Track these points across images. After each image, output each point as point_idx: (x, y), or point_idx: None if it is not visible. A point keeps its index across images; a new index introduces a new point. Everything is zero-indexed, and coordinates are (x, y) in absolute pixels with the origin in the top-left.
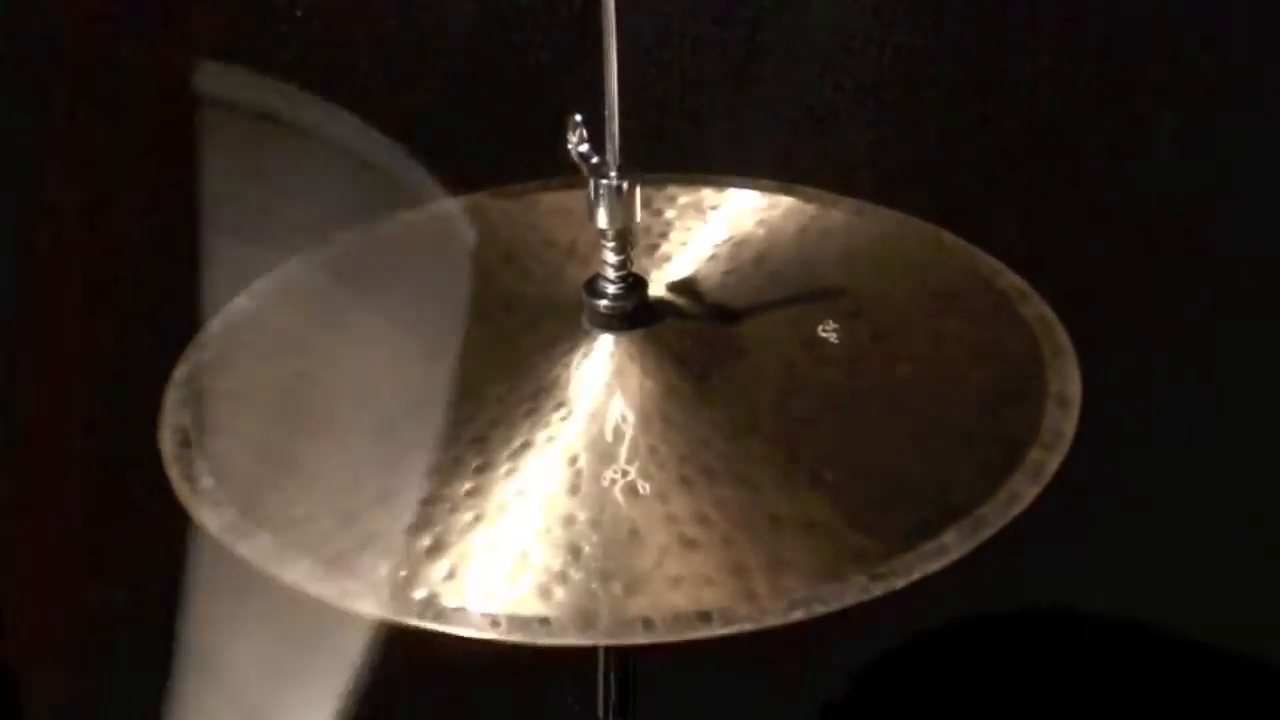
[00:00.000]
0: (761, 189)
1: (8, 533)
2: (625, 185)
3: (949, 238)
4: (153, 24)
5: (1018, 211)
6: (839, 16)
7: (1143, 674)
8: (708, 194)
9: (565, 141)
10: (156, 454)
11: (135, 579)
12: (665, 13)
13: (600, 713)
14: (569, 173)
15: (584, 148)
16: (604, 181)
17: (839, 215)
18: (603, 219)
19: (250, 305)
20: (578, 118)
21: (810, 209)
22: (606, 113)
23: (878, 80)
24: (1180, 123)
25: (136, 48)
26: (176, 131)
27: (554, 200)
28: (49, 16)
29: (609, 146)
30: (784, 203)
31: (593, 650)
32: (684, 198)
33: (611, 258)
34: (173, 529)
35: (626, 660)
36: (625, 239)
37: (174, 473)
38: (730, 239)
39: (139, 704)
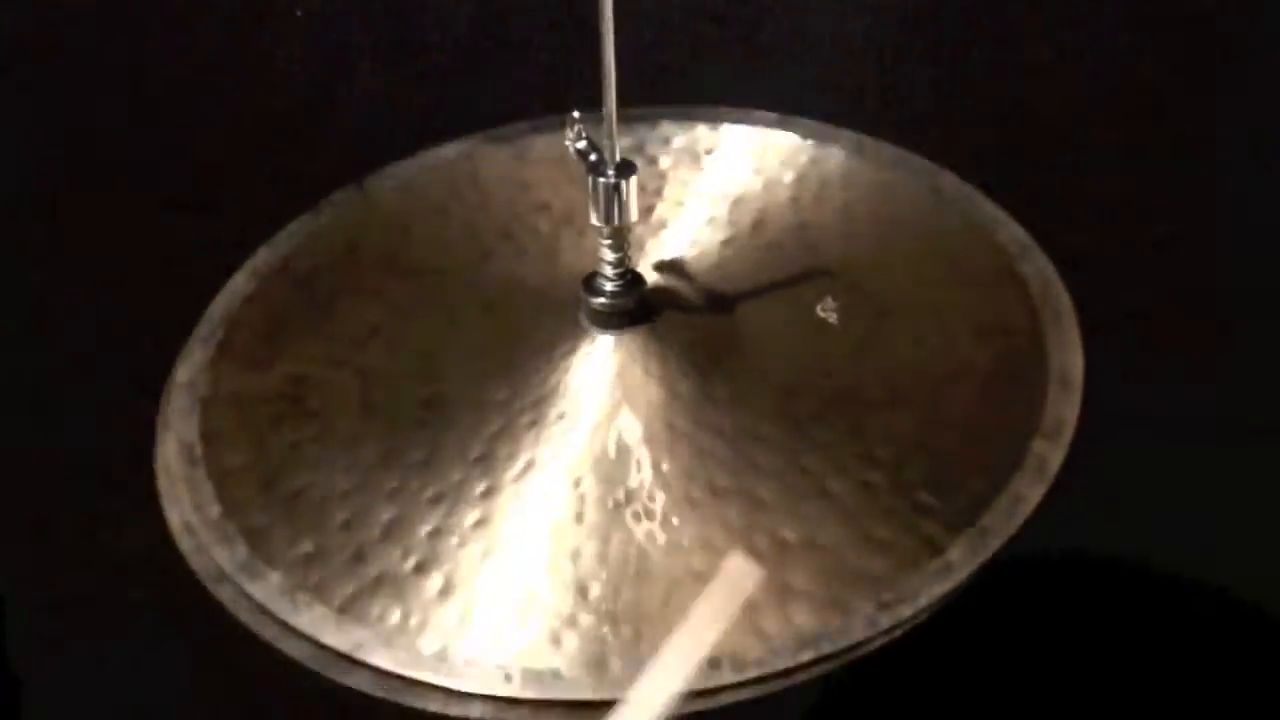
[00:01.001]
0: (756, 123)
1: (8, 532)
2: (623, 184)
3: (947, 182)
4: (153, 24)
5: (1018, 211)
6: (839, 16)
7: (1144, 667)
8: (702, 133)
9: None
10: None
11: (135, 578)
12: (665, 13)
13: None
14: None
15: (582, 144)
16: (602, 180)
17: (837, 154)
18: (600, 217)
19: (250, 286)
20: (575, 115)
21: (808, 146)
22: (604, 110)
23: (878, 80)
24: (1179, 124)
25: (137, 47)
26: (175, 130)
27: (546, 146)
28: (48, 17)
29: (607, 144)
30: (780, 143)
31: None
32: (679, 139)
33: (609, 255)
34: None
35: None
36: (623, 236)
37: (183, 498)
38: (726, 195)
39: (139, 704)
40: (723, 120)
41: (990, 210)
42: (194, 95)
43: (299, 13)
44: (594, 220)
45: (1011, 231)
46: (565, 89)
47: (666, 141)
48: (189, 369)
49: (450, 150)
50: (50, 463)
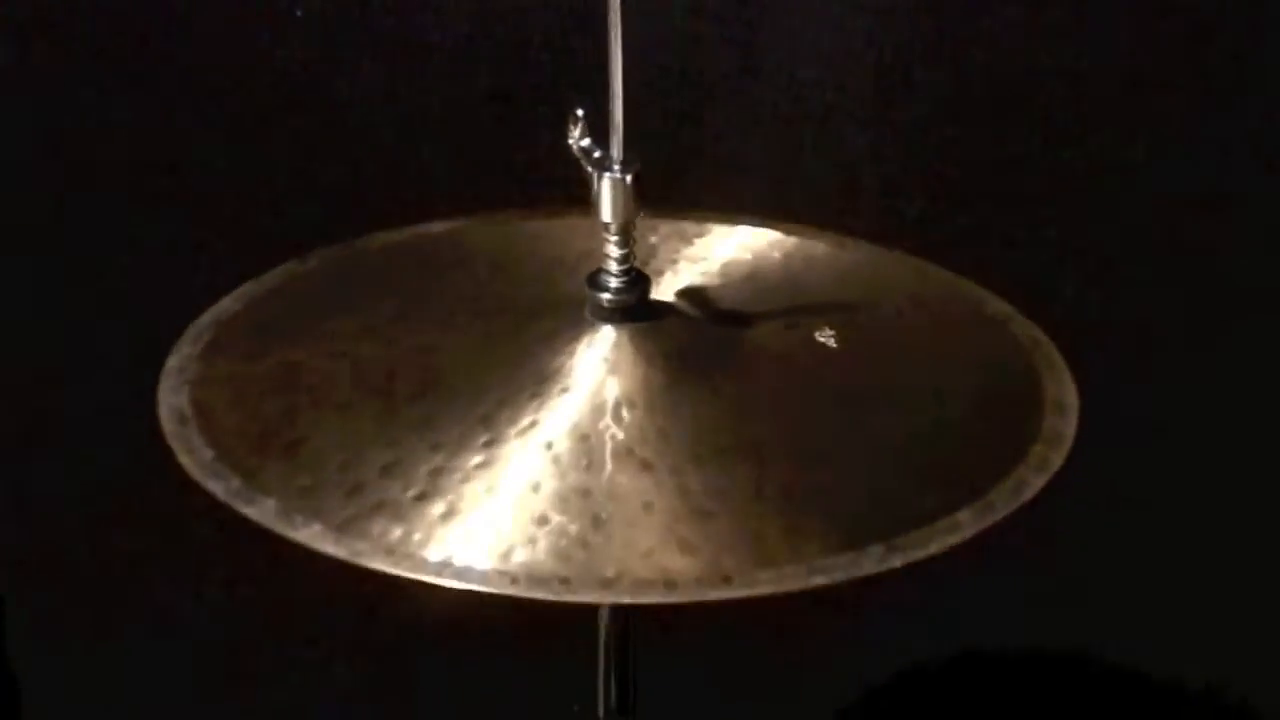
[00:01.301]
0: (736, 223)
1: (8, 532)
2: (629, 178)
3: (932, 269)
4: (153, 24)
5: (1018, 210)
6: (839, 16)
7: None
8: (688, 225)
9: (565, 140)
10: (156, 454)
11: (135, 579)
12: (665, 13)
13: (600, 713)
14: (567, 173)
15: (585, 142)
16: (609, 175)
17: (821, 247)
18: (607, 212)
19: (237, 307)
20: (579, 112)
21: (791, 241)
22: (610, 104)
23: (878, 81)
24: (1179, 123)
25: (137, 48)
26: (175, 132)
27: (534, 228)
28: (49, 16)
29: (613, 139)
30: (766, 235)
31: (594, 649)
32: (665, 227)
33: (615, 251)
34: (172, 529)
35: (627, 660)
36: (628, 232)
37: (176, 448)
38: (718, 258)
39: (140, 705)
40: (707, 220)
41: (976, 291)
42: (194, 95)
43: (299, 13)
44: (602, 216)
45: (998, 306)
46: (565, 88)
47: (654, 228)
48: (179, 359)
49: (438, 227)
50: (50, 467)
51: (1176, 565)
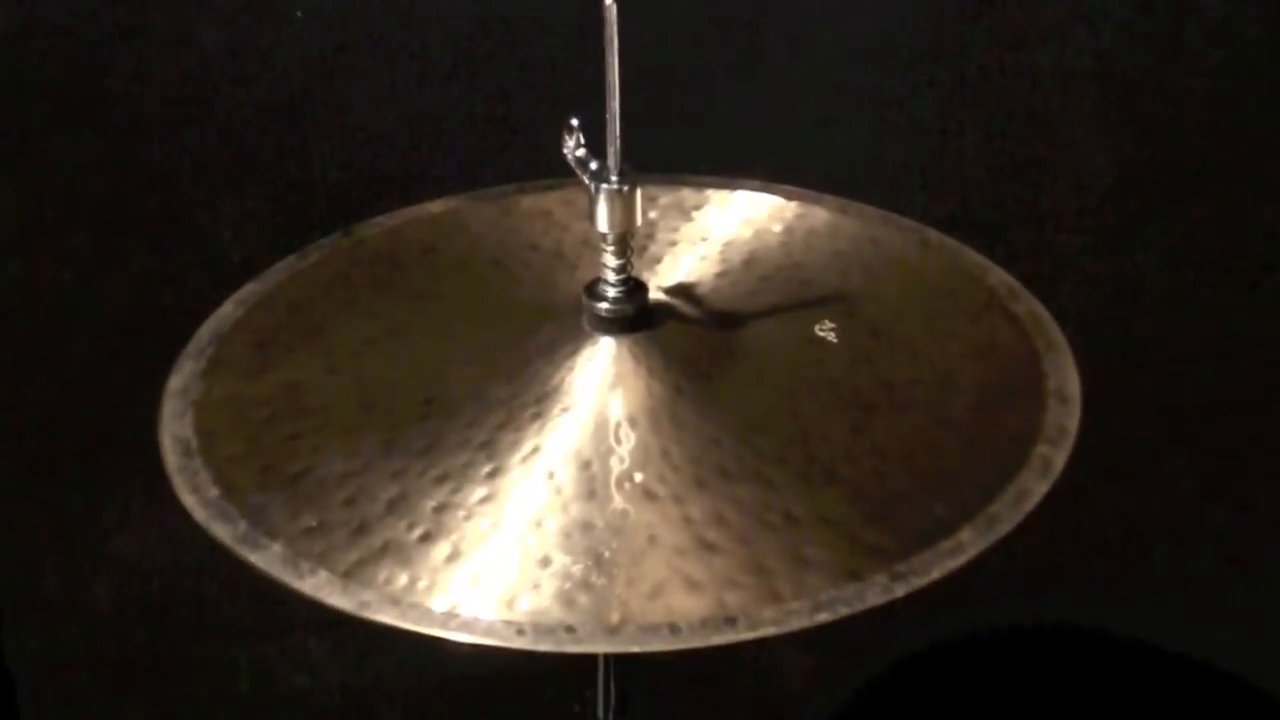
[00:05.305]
0: (736, 188)
1: (8, 534)
2: (626, 189)
3: (933, 235)
4: (153, 24)
5: (1018, 208)
6: (839, 16)
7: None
8: (688, 194)
9: (563, 144)
10: (156, 455)
11: (133, 580)
12: (665, 13)
13: (600, 713)
14: (568, 173)
15: (581, 152)
16: (605, 186)
17: (822, 213)
18: (603, 223)
19: (238, 313)
20: (574, 122)
21: (793, 206)
22: (608, 117)
23: (877, 81)
24: (1176, 119)
25: (138, 48)
26: (177, 135)
27: (532, 202)
28: (50, 16)
29: (610, 151)
30: (766, 202)
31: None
32: (665, 198)
33: (612, 261)
34: (171, 532)
35: (627, 661)
36: (625, 243)
37: (179, 484)
38: (718, 239)
39: (140, 706)
40: (707, 186)
41: (977, 259)
42: (194, 95)
43: (299, 13)
44: (599, 227)
45: (999, 276)
46: (565, 89)
47: (653, 200)
48: (181, 378)
49: (436, 206)
50: (49, 471)
51: (1176, 558)
